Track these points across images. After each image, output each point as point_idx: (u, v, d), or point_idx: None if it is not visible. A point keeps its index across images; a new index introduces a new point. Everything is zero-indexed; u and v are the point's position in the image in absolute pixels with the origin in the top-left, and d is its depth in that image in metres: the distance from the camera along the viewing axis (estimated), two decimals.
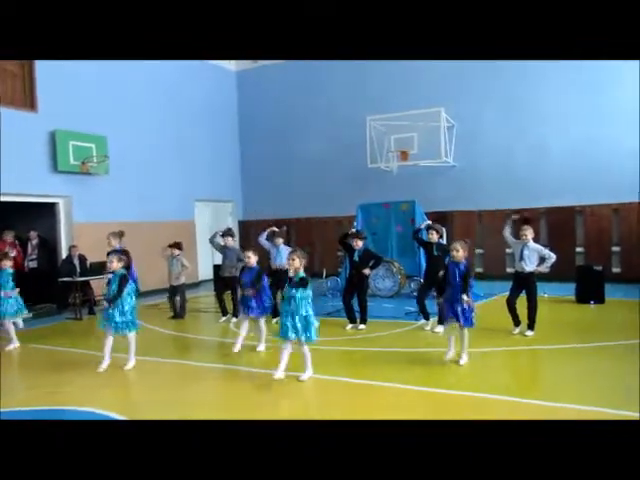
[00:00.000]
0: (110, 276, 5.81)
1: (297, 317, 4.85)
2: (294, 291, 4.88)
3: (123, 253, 5.81)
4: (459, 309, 5.26)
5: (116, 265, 5.60)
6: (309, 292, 4.96)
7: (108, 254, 7.67)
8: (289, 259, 4.97)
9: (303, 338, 4.89)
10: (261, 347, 6.29)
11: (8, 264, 6.98)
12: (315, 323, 4.97)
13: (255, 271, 6.12)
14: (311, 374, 5.02)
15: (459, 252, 5.36)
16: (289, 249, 8.40)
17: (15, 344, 6.96)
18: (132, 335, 5.69)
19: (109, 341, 5.64)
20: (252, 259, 6.11)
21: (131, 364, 5.71)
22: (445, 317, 5.61)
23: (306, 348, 5.00)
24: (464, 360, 5.36)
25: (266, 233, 8.39)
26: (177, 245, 8.77)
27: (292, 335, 4.86)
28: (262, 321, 6.27)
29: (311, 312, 4.95)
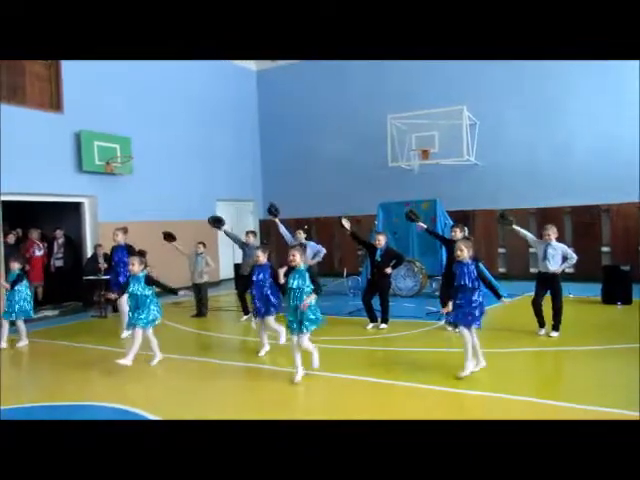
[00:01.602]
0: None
1: (298, 310, 4.92)
2: (293, 282, 4.98)
3: (142, 254, 5.91)
4: (467, 310, 4.97)
5: (137, 268, 5.70)
6: (309, 285, 4.98)
7: (114, 249, 7.80)
8: (290, 254, 5.10)
9: (303, 329, 4.95)
10: (282, 341, 6.14)
11: (16, 266, 7.05)
12: (313, 316, 4.97)
13: (267, 268, 6.03)
14: (317, 365, 5.12)
15: (463, 252, 5.06)
16: (312, 243, 8.50)
17: (25, 342, 7.06)
18: (150, 332, 5.77)
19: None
20: (261, 257, 6.01)
21: (157, 359, 5.81)
22: (454, 320, 5.23)
23: (311, 345, 5.04)
24: (465, 373, 4.90)
25: (280, 224, 8.51)
26: (202, 243, 8.93)
27: (294, 329, 4.98)
28: (271, 320, 6.09)
29: (312, 306, 4.98)
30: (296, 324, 4.97)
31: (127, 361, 5.46)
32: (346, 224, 7.68)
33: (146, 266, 5.87)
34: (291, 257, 5.06)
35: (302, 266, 5.06)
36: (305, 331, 4.96)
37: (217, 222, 8.47)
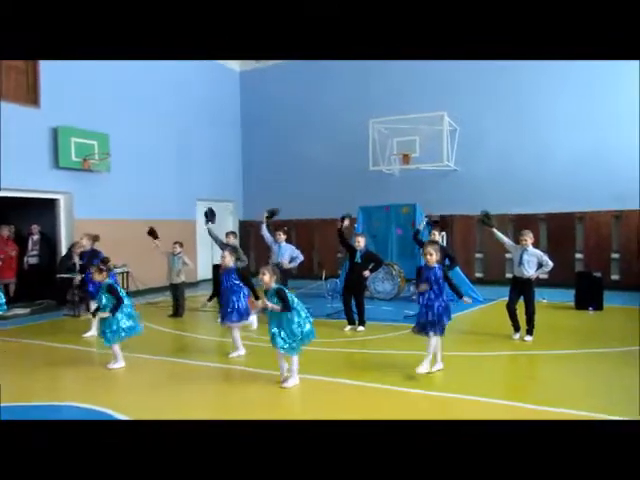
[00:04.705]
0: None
1: (284, 328, 4.75)
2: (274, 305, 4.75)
3: (104, 262, 5.76)
4: (430, 317, 5.06)
5: (98, 277, 5.59)
6: (291, 301, 4.77)
7: (81, 255, 7.79)
8: (259, 273, 4.84)
9: (287, 349, 4.79)
10: (235, 354, 6.01)
11: None
12: (300, 333, 4.76)
13: (233, 271, 5.92)
14: (296, 382, 4.89)
15: (432, 256, 5.05)
16: (291, 247, 8.50)
17: None
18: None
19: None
20: (227, 259, 5.84)
21: (119, 364, 5.69)
22: (420, 326, 5.20)
23: (296, 362, 4.90)
24: (437, 367, 5.17)
25: (265, 224, 8.41)
26: (179, 243, 8.84)
27: (279, 343, 4.78)
28: (236, 329, 5.95)
29: (297, 320, 4.76)
30: (280, 343, 4.76)
31: (119, 362, 5.66)
32: (346, 223, 7.57)
33: (109, 271, 5.68)
34: (260, 276, 4.83)
35: (273, 286, 4.81)
36: (291, 354, 4.83)
37: (211, 215, 8.36)
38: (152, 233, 8.41)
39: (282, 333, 4.76)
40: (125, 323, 5.57)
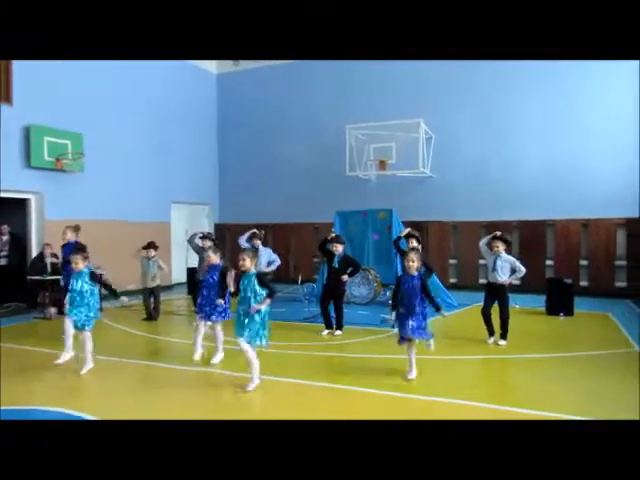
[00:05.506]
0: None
1: (254, 318, 4.79)
2: (248, 291, 4.82)
3: (83, 250, 5.73)
4: (414, 324, 5.07)
5: (82, 265, 5.58)
6: (263, 293, 4.86)
7: (63, 247, 7.61)
8: (239, 259, 4.89)
9: (254, 341, 4.82)
10: (217, 359, 5.88)
11: None
12: (267, 327, 4.89)
13: (218, 269, 5.87)
14: (257, 383, 4.90)
15: (415, 263, 5.10)
16: (269, 251, 8.47)
17: None
18: (88, 334, 5.61)
19: (70, 334, 5.56)
20: (212, 257, 5.83)
21: (89, 366, 5.57)
22: (404, 333, 5.19)
23: (253, 354, 4.87)
24: (413, 375, 5.21)
25: (247, 235, 8.37)
26: (153, 246, 8.65)
27: (244, 335, 4.80)
28: (219, 327, 5.92)
29: (265, 314, 4.88)
30: (243, 332, 4.80)
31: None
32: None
33: (87, 258, 5.67)
34: (241, 262, 4.87)
35: (253, 271, 4.90)
36: (252, 343, 4.83)
37: (207, 236, 8.30)
38: (150, 246, 8.58)
39: (249, 324, 4.78)
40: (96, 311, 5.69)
